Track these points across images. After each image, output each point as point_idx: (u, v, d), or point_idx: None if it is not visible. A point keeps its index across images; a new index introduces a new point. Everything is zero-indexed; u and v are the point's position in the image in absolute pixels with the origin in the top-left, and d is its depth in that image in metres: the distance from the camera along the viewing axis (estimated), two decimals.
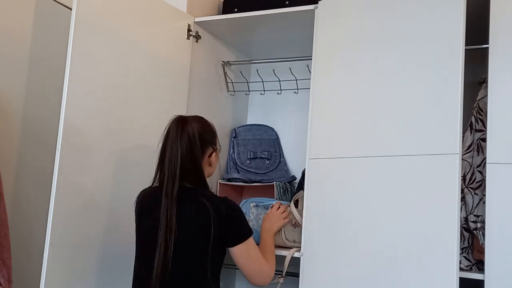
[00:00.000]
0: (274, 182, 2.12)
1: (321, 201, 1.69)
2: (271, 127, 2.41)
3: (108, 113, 1.68)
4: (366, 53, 1.67)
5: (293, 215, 1.82)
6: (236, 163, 2.27)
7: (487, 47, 1.56)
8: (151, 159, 1.68)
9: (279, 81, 2.32)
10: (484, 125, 1.61)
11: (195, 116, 1.65)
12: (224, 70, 2.32)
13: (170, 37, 1.96)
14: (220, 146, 1.68)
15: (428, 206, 1.47)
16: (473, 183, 1.63)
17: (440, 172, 1.46)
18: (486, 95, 1.56)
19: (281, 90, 2.33)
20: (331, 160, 1.69)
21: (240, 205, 1.90)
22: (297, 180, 2.18)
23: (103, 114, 1.66)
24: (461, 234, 1.60)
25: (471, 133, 1.65)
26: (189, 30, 2.04)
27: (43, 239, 1.47)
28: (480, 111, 1.65)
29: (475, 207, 1.61)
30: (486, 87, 1.58)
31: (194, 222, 1.49)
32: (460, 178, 1.45)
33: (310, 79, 1.81)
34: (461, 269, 1.50)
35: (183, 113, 1.97)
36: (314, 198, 1.71)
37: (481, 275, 1.49)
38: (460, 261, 1.57)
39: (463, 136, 1.57)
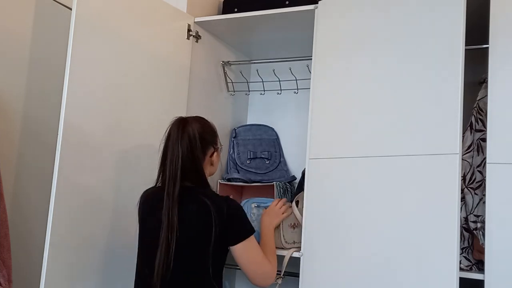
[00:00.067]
0: (274, 182, 2.12)
1: (321, 201, 1.69)
2: (271, 127, 2.41)
3: (108, 113, 1.68)
4: (366, 53, 1.67)
5: (294, 215, 1.82)
6: (236, 163, 2.27)
7: (487, 47, 1.56)
8: (151, 159, 1.68)
9: (279, 81, 2.32)
10: (484, 125, 1.61)
11: (196, 116, 1.65)
12: (224, 70, 2.32)
13: (170, 37, 1.96)
14: (221, 145, 1.69)
15: (428, 206, 1.47)
16: (473, 183, 1.63)
17: (440, 172, 1.46)
18: (486, 95, 1.56)
19: (281, 90, 2.33)
20: (331, 160, 1.69)
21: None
22: (297, 180, 2.18)
23: (103, 114, 1.66)
24: (461, 234, 1.60)
25: (471, 133, 1.65)
26: (189, 30, 2.04)
27: (43, 239, 1.47)
28: (480, 111, 1.65)
29: (475, 207, 1.61)
30: (486, 87, 1.58)
31: (195, 221, 1.50)
32: (460, 178, 1.45)
33: (310, 79, 1.81)
34: (461, 269, 1.50)
35: (183, 113, 1.98)
36: (314, 198, 1.71)
37: (481, 275, 1.49)
38: (460, 261, 1.57)
39: (463, 136, 1.57)
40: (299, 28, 2.00)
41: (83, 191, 1.59)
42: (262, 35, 2.19)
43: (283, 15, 1.94)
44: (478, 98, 1.67)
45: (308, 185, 1.73)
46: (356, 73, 1.69)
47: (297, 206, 1.85)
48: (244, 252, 1.53)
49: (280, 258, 1.74)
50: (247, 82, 2.43)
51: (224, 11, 2.20)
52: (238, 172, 2.23)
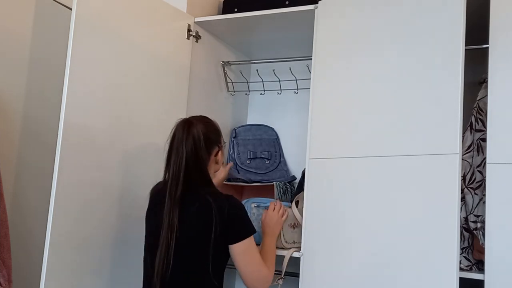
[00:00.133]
0: (274, 182, 2.12)
1: (321, 201, 1.69)
2: (271, 127, 2.41)
3: (108, 113, 1.68)
4: (366, 53, 1.67)
5: (294, 215, 1.82)
6: (236, 163, 2.27)
7: (487, 47, 1.56)
8: (152, 158, 1.68)
9: (279, 81, 2.32)
10: (484, 125, 1.61)
11: (200, 116, 1.67)
12: (224, 70, 2.32)
13: (170, 37, 1.96)
14: (224, 142, 1.71)
15: (428, 206, 1.47)
16: (473, 183, 1.63)
17: (440, 172, 1.46)
18: (486, 95, 1.56)
19: (281, 90, 2.33)
20: (331, 160, 1.69)
21: None
22: (297, 180, 2.18)
23: (103, 114, 1.66)
24: (461, 234, 1.60)
25: (471, 133, 1.65)
26: (189, 30, 2.04)
27: (43, 239, 1.47)
28: (480, 111, 1.65)
29: (475, 207, 1.61)
30: (486, 87, 1.58)
31: (196, 221, 1.50)
32: (460, 178, 1.45)
33: (310, 79, 1.81)
34: (461, 269, 1.50)
35: (183, 113, 1.98)
36: (314, 198, 1.71)
37: (481, 275, 1.49)
38: (460, 261, 1.57)
39: (463, 136, 1.57)
40: (299, 28, 2.00)
41: (83, 191, 1.59)
42: (262, 35, 2.19)
43: (283, 15, 1.94)
44: (478, 98, 1.67)
45: (308, 185, 1.73)
46: (356, 73, 1.69)
47: (297, 206, 1.85)
48: (243, 251, 1.53)
49: (280, 258, 1.74)
50: (247, 82, 2.43)
51: (224, 11, 2.20)
52: (238, 172, 2.23)
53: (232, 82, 2.36)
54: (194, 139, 1.54)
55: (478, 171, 1.63)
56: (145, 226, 1.62)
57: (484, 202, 1.52)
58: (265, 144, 2.35)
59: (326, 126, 1.73)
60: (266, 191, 2.14)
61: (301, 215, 1.75)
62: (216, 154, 1.64)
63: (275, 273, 1.67)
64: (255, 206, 1.89)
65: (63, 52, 1.54)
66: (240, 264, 1.54)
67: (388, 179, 1.56)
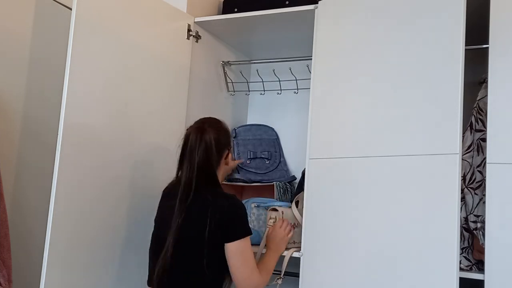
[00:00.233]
0: (274, 182, 2.12)
1: (321, 201, 1.69)
2: (271, 127, 2.41)
3: (108, 113, 1.68)
4: (366, 53, 1.67)
5: (294, 215, 1.82)
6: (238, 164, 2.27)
7: (487, 47, 1.56)
8: (151, 158, 1.68)
9: (279, 81, 2.32)
10: (484, 125, 1.61)
11: (212, 121, 1.68)
12: (224, 70, 2.32)
13: (170, 37, 1.96)
14: (233, 141, 1.73)
15: (428, 206, 1.47)
16: (473, 183, 1.63)
17: (440, 172, 1.46)
18: (486, 95, 1.56)
19: (281, 90, 2.33)
20: (331, 160, 1.69)
21: None
22: (297, 180, 2.18)
23: (103, 114, 1.66)
24: (461, 234, 1.60)
25: (471, 133, 1.65)
26: (189, 30, 2.04)
27: (43, 239, 1.47)
28: (480, 111, 1.65)
29: (475, 207, 1.61)
30: (486, 87, 1.58)
31: (197, 221, 1.52)
32: (460, 178, 1.45)
33: (310, 79, 1.81)
34: (461, 269, 1.50)
35: (183, 112, 1.99)
36: (314, 198, 1.71)
37: (481, 275, 1.49)
38: (460, 261, 1.57)
39: (463, 136, 1.57)
40: (299, 28, 2.00)
41: (83, 191, 1.59)
42: (262, 35, 2.19)
43: (283, 15, 1.94)
44: (478, 98, 1.67)
45: (308, 185, 1.73)
46: (356, 73, 1.69)
47: (297, 206, 1.85)
48: (238, 251, 1.53)
49: (280, 258, 1.74)
50: (247, 82, 2.43)
51: (224, 11, 2.20)
52: (238, 172, 2.23)
53: (232, 82, 2.36)
54: (206, 146, 1.58)
55: (478, 171, 1.62)
56: (154, 224, 1.66)
57: (484, 202, 1.52)
58: (265, 144, 2.35)
59: (326, 126, 1.73)
60: (266, 191, 2.14)
61: (301, 215, 1.75)
62: (227, 156, 1.68)
63: (274, 273, 1.67)
64: (255, 206, 1.89)
65: (63, 52, 1.54)
66: (234, 264, 1.53)
67: (388, 179, 1.56)
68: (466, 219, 1.62)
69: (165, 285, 1.53)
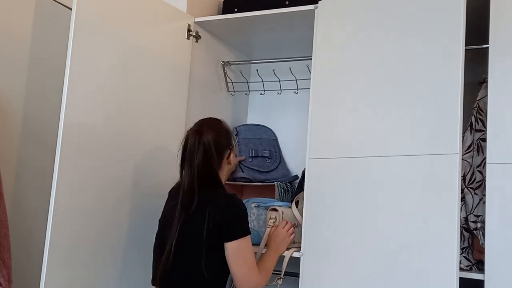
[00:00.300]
0: (275, 182, 2.11)
1: (321, 201, 1.69)
2: (270, 129, 2.41)
3: (108, 113, 1.68)
4: (366, 53, 1.67)
5: (294, 215, 1.82)
6: (239, 161, 2.26)
7: (487, 47, 1.56)
8: (151, 158, 1.68)
9: (279, 81, 2.32)
10: (484, 125, 1.61)
11: (211, 122, 1.67)
12: (224, 70, 2.32)
13: (170, 37, 1.95)
14: (235, 141, 1.74)
15: (428, 206, 1.47)
16: (473, 183, 1.63)
17: (440, 172, 1.46)
18: (486, 95, 1.56)
19: (281, 90, 2.33)
20: (331, 160, 1.69)
21: None
22: (297, 180, 2.18)
23: (103, 114, 1.66)
24: (461, 234, 1.60)
25: (471, 133, 1.65)
26: (189, 30, 2.04)
27: (43, 239, 1.47)
28: (480, 111, 1.65)
29: (475, 207, 1.61)
30: (486, 87, 1.58)
31: (198, 222, 1.51)
32: (460, 178, 1.45)
33: (310, 79, 1.81)
34: (461, 269, 1.50)
35: (183, 112, 1.98)
36: (314, 198, 1.71)
37: (481, 275, 1.49)
38: (460, 261, 1.57)
39: (463, 136, 1.57)
40: (299, 28, 2.00)
41: (83, 191, 1.59)
42: (262, 35, 2.19)
43: (283, 15, 1.94)
44: (478, 98, 1.67)
45: (308, 185, 1.73)
46: (356, 73, 1.69)
47: (297, 206, 1.85)
48: (237, 251, 1.53)
49: (280, 258, 1.74)
50: (247, 82, 2.43)
51: (224, 11, 2.20)
52: (243, 171, 2.22)
53: (232, 82, 2.36)
54: (205, 149, 1.57)
55: (478, 171, 1.62)
56: (158, 224, 1.65)
57: (484, 202, 1.52)
58: (266, 144, 2.35)
59: (326, 126, 1.73)
60: (266, 191, 2.14)
61: (301, 215, 1.75)
62: (228, 157, 1.67)
63: (274, 273, 1.67)
64: (255, 206, 1.89)
65: (63, 52, 1.54)
66: (234, 263, 1.53)
67: (388, 179, 1.56)
68: (466, 219, 1.62)
69: (167, 286, 1.54)
